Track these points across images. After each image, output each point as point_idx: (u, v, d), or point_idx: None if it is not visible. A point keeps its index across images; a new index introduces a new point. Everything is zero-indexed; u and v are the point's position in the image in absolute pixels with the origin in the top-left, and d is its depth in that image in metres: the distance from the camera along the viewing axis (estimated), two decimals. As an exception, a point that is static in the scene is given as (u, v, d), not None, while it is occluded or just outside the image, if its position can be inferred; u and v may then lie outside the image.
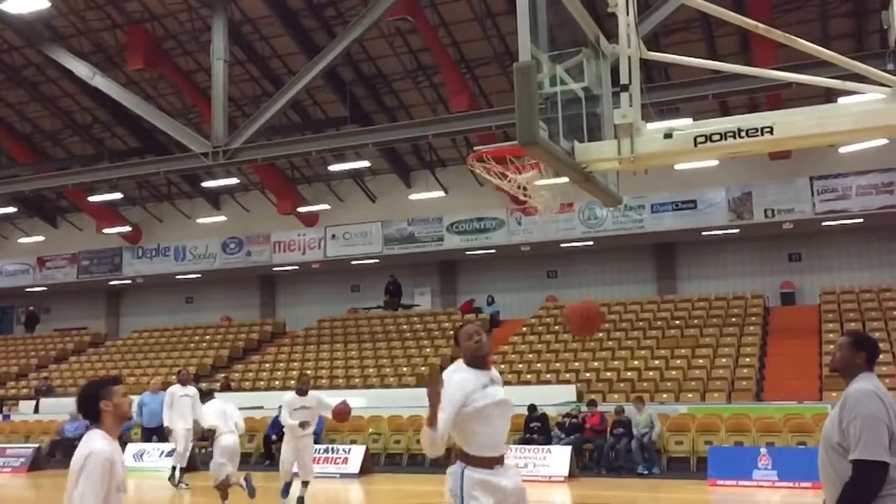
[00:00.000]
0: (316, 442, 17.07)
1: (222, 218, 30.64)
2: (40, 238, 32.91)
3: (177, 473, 14.58)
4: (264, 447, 18.12)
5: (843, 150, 22.19)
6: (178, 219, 31.32)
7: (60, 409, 21.61)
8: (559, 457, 14.54)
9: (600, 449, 15.57)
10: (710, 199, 23.47)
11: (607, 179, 10.59)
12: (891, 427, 3.98)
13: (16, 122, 28.28)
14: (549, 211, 9.38)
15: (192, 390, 14.27)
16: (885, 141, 20.86)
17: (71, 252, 31.67)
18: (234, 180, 28.47)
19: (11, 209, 31.40)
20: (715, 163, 23.38)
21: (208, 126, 20.15)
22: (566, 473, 14.19)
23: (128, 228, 31.26)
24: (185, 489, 14.44)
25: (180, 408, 13.99)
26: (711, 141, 6.32)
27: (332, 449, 16.26)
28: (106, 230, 30.84)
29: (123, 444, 18.38)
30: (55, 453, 19.35)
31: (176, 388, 14.45)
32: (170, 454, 17.05)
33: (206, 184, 28.55)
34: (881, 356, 18.52)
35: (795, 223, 22.92)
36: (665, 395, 18.41)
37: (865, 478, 3.89)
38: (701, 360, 19.94)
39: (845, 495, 3.98)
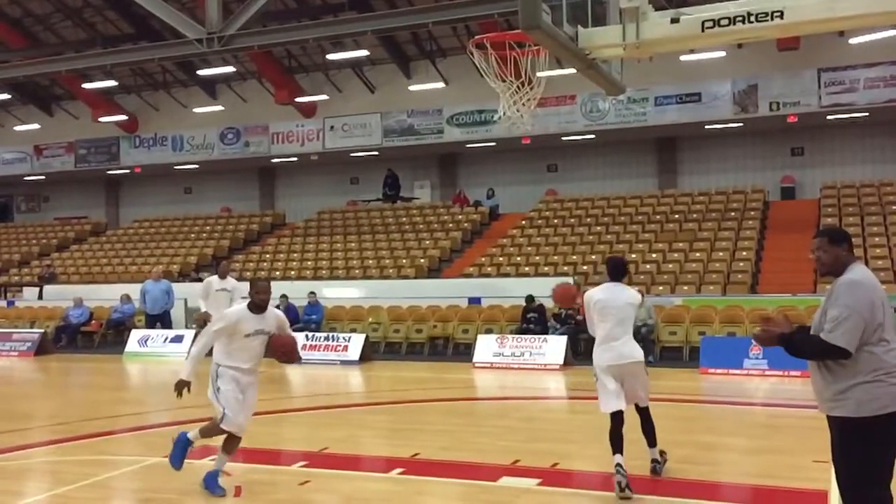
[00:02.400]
0: (317, 330, 17.47)
1: (219, 107, 30.21)
2: (36, 126, 32.55)
3: None
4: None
5: (852, 40, 21.68)
6: (175, 108, 30.89)
7: (64, 295, 21.91)
8: (555, 346, 14.82)
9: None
10: (715, 92, 23.11)
11: (611, 68, 10.39)
12: (874, 317, 4.07)
13: (5, 6, 27.47)
14: (521, 124, 9.32)
15: (230, 283, 13.19)
16: (895, 31, 20.36)
17: (68, 140, 31.40)
18: (230, 69, 27.94)
19: (5, 96, 30.91)
20: (721, 54, 22.87)
21: (202, 11, 19.57)
22: (561, 362, 14.50)
23: (124, 117, 30.89)
24: None
25: (216, 301, 12.70)
26: (720, 26, 6.17)
27: (333, 337, 16.56)
28: (102, 119, 30.49)
29: (128, 331, 18.75)
30: (61, 338, 19.76)
31: (213, 280, 13.37)
32: (174, 340, 17.46)
33: (202, 72, 28.01)
34: (877, 250, 18.70)
35: (800, 117, 22.63)
36: (661, 288, 18.63)
37: (823, 350, 4.13)
38: (698, 254, 20.08)
39: (808, 339, 4.23)
